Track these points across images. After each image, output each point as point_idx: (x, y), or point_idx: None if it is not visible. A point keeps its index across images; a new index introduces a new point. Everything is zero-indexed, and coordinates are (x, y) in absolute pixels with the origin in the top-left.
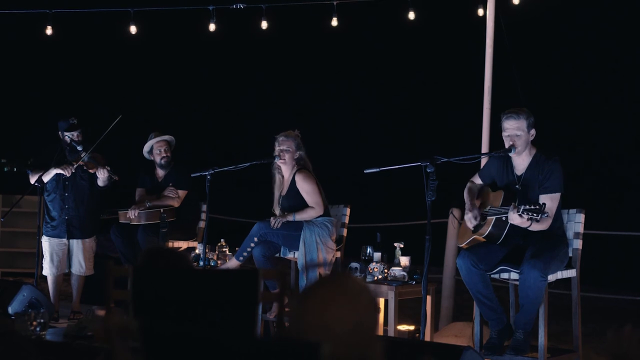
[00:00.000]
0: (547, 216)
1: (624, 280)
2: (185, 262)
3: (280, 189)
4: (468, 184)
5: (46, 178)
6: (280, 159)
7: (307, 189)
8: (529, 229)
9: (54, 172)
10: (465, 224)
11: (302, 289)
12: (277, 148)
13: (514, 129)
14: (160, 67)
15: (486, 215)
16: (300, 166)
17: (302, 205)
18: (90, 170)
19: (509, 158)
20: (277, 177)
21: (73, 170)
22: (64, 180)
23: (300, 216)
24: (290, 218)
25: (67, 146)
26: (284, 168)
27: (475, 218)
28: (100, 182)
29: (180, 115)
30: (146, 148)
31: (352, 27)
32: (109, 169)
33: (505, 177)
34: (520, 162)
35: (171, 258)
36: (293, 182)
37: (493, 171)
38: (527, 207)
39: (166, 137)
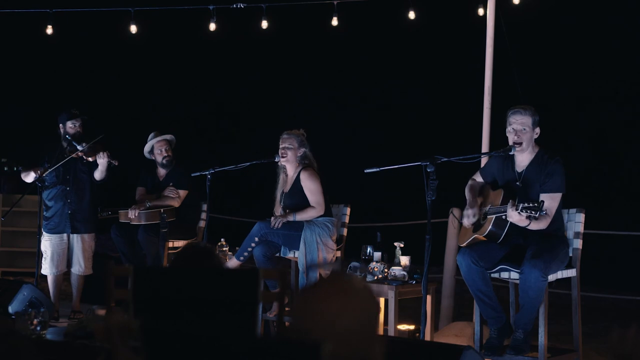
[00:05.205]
0: (545, 214)
1: (624, 280)
2: (215, 259)
3: (282, 188)
4: (469, 182)
5: (27, 179)
6: (282, 157)
7: (311, 187)
8: (528, 227)
9: (31, 174)
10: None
11: (307, 287)
12: (280, 146)
13: (520, 123)
14: (160, 66)
15: (486, 214)
16: (305, 164)
17: (304, 203)
18: (90, 159)
19: (511, 155)
20: (282, 176)
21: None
22: (64, 174)
23: (301, 216)
24: (290, 218)
25: (67, 144)
26: (288, 166)
27: (474, 216)
28: (97, 174)
29: (180, 115)
30: (147, 148)
31: (352, 27)
32: (108, 153)
33: (505, 175)
34: (522, 159)
35: (205, 256)
36: (297, 179)
37: (494, 169)
38: (526, 204)
39: (166, 136)
